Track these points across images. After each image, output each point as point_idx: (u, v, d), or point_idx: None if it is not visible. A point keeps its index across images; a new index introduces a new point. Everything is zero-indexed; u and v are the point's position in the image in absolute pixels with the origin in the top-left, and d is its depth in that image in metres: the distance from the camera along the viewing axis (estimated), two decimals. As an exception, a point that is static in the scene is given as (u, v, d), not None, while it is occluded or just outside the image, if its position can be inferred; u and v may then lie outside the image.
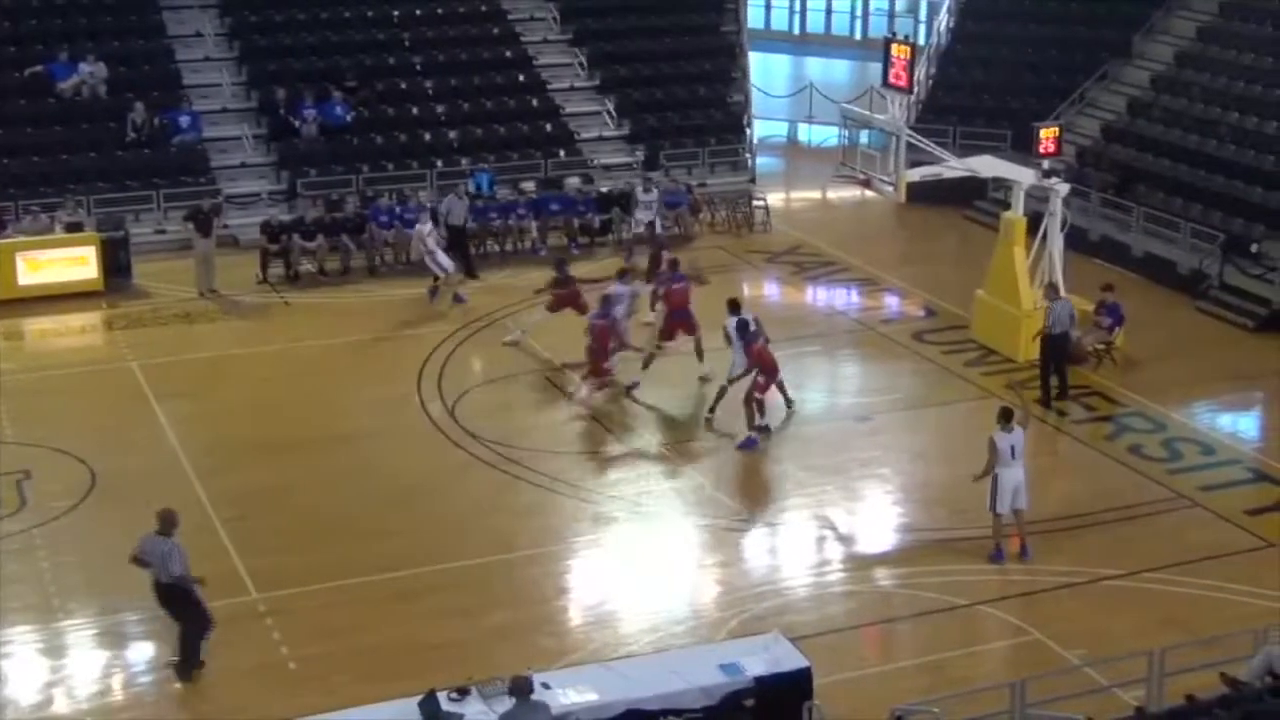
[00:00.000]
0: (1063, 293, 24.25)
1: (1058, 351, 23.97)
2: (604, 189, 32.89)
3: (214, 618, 16.59)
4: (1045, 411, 23.38)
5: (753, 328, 22.91)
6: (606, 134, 35.67)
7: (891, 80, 25.89)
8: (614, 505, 20.68)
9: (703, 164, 35.31)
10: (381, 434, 22.82)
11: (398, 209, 30.50)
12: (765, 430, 22.67)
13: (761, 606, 18.05)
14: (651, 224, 31.26)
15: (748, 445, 22.36)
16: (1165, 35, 36.20)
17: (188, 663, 16.55)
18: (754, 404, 22.46)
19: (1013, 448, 18.91)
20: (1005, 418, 19.09)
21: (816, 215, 34.50)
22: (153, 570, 16.32)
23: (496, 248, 31.17)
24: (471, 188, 32.15)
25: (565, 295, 25.86)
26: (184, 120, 32.65)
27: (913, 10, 49.19)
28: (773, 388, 22.83)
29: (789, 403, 23.55)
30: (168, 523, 16.36)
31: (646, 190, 31.70)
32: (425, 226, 28.31)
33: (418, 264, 29.72)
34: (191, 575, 16.33)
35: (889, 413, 23.80)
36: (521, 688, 13.62)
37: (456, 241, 29.73)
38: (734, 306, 23.58)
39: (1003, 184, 29.77)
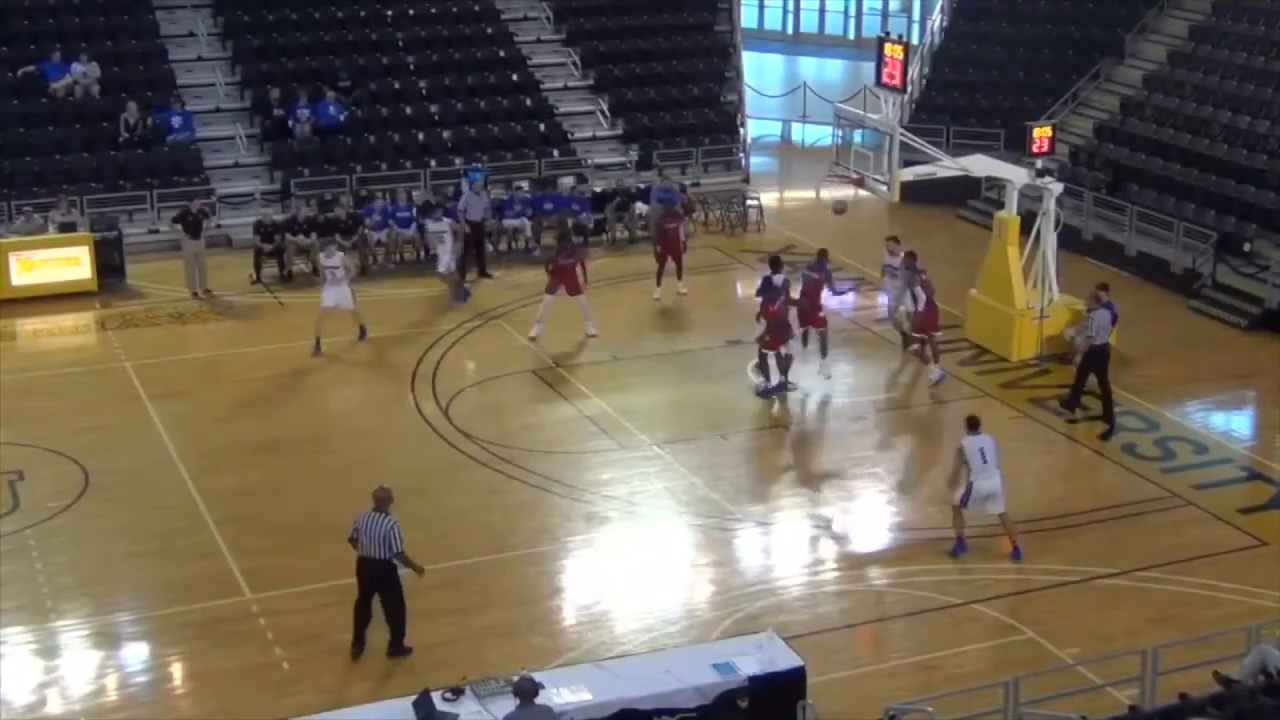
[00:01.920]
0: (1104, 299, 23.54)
1: (1100, 362, 23.15)
2: (598, 188, 32.89)
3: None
4: (1071, 415, 23.26)
5: (776, 284, 23.90)
6: (600, 134, 35.69)
7: (885, 79, 25.89)
8: (607, 505, 20.67)
9: (696, 163, 35.33)
10: (375, 434, 22.81)
11: (389, 208, 30.50)
12: (781, 388, 23.78)
13: (755, 606, 18.06)
14: (458, 265, 28.45)
15: (765, 394, 23.91)
16: (1157, 34, 36.28)
17: (401, 640, 16.82)
18: (763, 360, 23.78)
19: (982, 451, 18.92)
20: (972, 425, 19.18)
21: (810, 215, 34.51)
22: (364, 548, 16.49)
23: (490, 247, 31.15)
24: (465, 187, 32.14)
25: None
26: (176, 120, 32.62)
27: (906, 9, 49.29)
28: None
29: (784, 373, 24.13)
30: (385, 500, 16.57)
31: (436, 219, 28.77)
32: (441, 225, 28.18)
33: (410, 263, 29.76)
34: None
35: (882, 412, 23.83)
36: (526, 690, 13.61)
37: (475, 238, 29.79)
38: (774, 264, 24.50)
39: (996, 183, 29.85)
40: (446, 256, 28.06)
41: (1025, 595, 18.33)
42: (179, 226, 28.69)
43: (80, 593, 18.31)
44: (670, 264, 28.53)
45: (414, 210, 30.56)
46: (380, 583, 16.66)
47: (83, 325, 27.45)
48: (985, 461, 18.91)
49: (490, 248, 30.94)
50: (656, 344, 26.30)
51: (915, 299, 25.05)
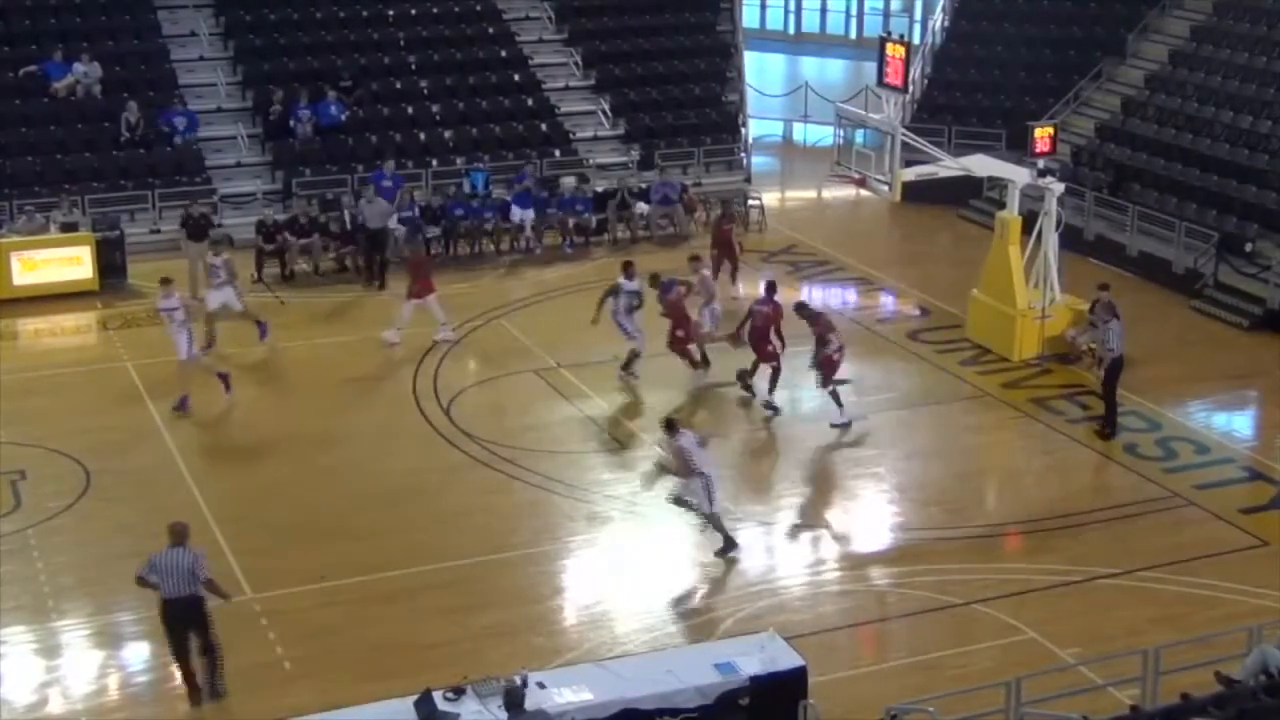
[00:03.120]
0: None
1: (1117, 372, 22.76)
2: (599, 188, 32.89)
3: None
4: (1109, 443, 22.55)
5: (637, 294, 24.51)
6: (602, 133, 35.68)
7: (886, 79, 25.90)
8: (609, 504, 20.68)
9: (698, 163, 35.32)
10: (377, 433, 22.82)
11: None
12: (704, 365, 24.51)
13: (756, 605, 18.06)
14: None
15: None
16: (1159, 34, 36.29)
17: (217, 678, 16.15)
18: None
19: (696, 445, 19.10)
20: (670, 427, 19.24)
21: (811, 214, 34.51)
22: (165, 589, 15.71)
23: (492, 247, 31.17)
24: (467, 187, 32.19)
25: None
26: (179, 120, 32.55)
27: (907, 9, 49.28)
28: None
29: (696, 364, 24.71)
30: (183, 534, 15.84)
31: (216, 253, 26.13)
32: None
33: (400, 263, 29.72)
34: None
35: (883, 412, 23.79)
36: (515, 701, 13.62)
37: (373, 247, 29.25)
38: (626, 270, 24.91)
39: (998, 183, 29.84)
40: (183, 345, 23.32)
41: (1026, 595, 18.32)
42: (182, 230, 28.68)
43: (81, 592, 18.32)
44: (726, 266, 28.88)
45: (418, 210, 30.61)
46: (190, 621, 15.93)
47: (84, 325, 27.45)
48: (704, 453, 19.12)
49: (492, 247, 30.93)
50: (657, 344, 26.25)
51: (714, 316, 25.33)
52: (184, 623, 15.92)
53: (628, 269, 25.00)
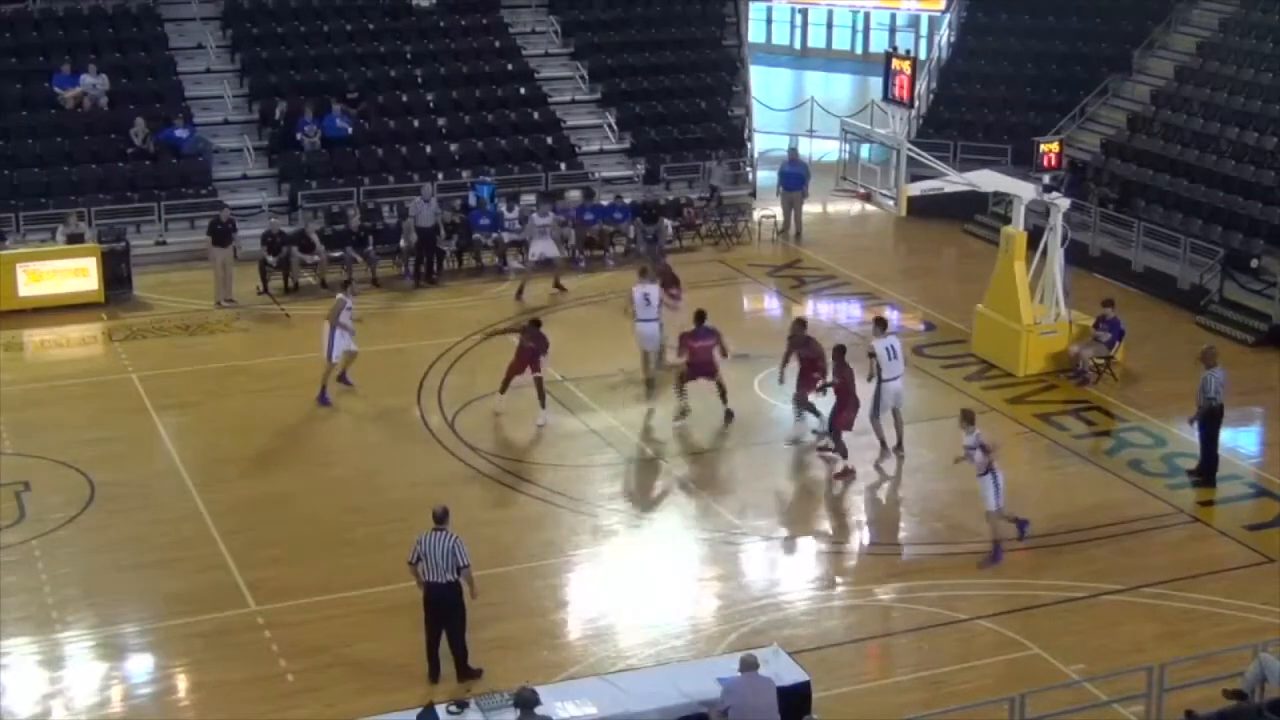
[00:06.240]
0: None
1: (1218, 423, 22.05)
2: (604, 203, 32.89)
3: None
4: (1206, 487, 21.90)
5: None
6: (608, 147, 35.70)
7: (892, 94, 25.93)
8: (613, 518, 20.67)
9: (703, 177, 35.32)
10: (381, 446, 22.83)
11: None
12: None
13: (760, 620, 18.04)
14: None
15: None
16: (1166, 50, 36.33)
17: (468, 665, 16.56)
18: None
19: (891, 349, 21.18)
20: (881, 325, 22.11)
21: (817, 229, 34.51)
22: (427, 572, 16.21)
23: (519, 264, 31.16)
24: (473, 200, 32.21)
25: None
26: (182, 134, 32.56)
27: (914, 25, 49.35)
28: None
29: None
30: (445, 517, 16.42)
31: (543, 213, 29.69)
32: None
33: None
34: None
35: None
36: (526, 700, 13.61)
37: (426, 245, 29.99)
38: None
39: (1003, 198, 29.85)
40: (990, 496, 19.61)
41: (1031, 611, 18.29)
42: (208, 237, 28.69)
43: (85, 604, 18.31)
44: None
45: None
46: (446, 605, 16.42)
47: (89, 336, 27.46)
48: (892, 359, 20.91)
49: (519, 264, 30.90)
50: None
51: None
52: (439, 608, 16.29)
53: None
